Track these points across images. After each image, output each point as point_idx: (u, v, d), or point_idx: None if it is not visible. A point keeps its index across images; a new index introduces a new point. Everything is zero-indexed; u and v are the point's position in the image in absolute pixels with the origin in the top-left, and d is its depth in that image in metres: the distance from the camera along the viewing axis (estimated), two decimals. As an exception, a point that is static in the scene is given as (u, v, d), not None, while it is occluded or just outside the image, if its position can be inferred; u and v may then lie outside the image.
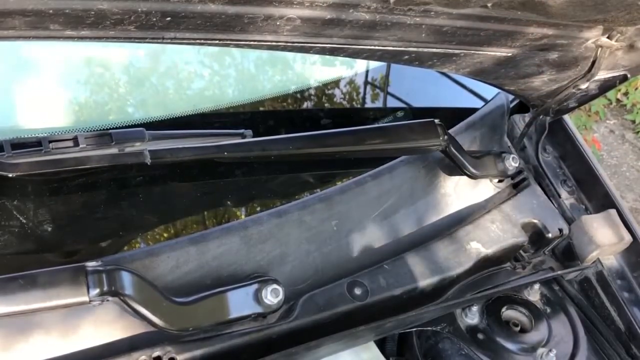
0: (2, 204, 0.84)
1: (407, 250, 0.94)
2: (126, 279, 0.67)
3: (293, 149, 0.89)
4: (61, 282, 0.63)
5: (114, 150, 0.83)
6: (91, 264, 0.65)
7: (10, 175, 0.77)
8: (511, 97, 1.13)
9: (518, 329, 0.92)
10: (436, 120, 0.95)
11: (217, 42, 0.63)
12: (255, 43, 0.64)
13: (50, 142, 0.79)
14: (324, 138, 0.92)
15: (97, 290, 0.64)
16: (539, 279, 1.02)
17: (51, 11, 0.49)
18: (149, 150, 0.82)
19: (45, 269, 0.64)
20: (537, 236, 1.05)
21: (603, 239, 1.01)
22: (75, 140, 0.80)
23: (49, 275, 0.64)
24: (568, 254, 1.06)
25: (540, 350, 0.88)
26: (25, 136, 0.81)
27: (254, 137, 0.95)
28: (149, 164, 0.82)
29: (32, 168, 0.78)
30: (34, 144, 0.79)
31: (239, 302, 0.74)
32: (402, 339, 0.95)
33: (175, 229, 0.95)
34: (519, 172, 1.08)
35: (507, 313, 0.96)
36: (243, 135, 0.96)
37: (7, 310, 0.63)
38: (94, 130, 0.89)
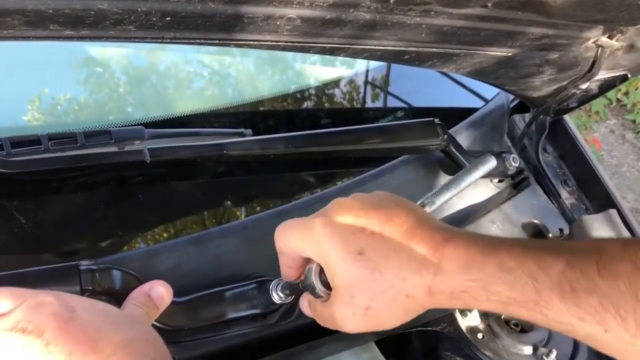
0: (1, 202, 0.84)
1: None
2: (121, 278, 0.66)
3: (293, 147, 0.88)
4: (53, 280, 0.63)
5: (113, 149, 0.83)
6: (85, 263, 0.65)
7: (9, 173, 0.77)
8: (511, 97, 1.13)
9: (518, 329, 0.92)
10: (436, 120, 0.95)
11: (217, 42, 0.63)
12: (255, 43, 0.64)
13: (49, 140, 0.79)
14: (324, 137, 0.92)
15: (90, 289, 0.63)
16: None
17: (51, 11, 0.49)
18: (148, 149, 0.82)
19: (38, 268, 0.64)
20: (537, 236, 1.05)
21: (603, 239, 1.01)
22: (75, 138, 0.80)
23: (41, 274, 0.63)
24: (568, 254, 1.05)
25: (541, 351, 0.88)
26: (25, 134, 0.81)
27: (253, 136, 0.95)
28: (148, 162, 0.82)
29: (31, 166, 0.78)
30: (34, 141, 0.79)
31: (239, 302, 0.74)
32: (402, 339, 0.95)
33: (175, 229, 0.95)
34: (519, 172, 1.08)
35: (507, 313, 0.96)
36: (242, 134, 0.96)
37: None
38: (93, 129, 0.89)
